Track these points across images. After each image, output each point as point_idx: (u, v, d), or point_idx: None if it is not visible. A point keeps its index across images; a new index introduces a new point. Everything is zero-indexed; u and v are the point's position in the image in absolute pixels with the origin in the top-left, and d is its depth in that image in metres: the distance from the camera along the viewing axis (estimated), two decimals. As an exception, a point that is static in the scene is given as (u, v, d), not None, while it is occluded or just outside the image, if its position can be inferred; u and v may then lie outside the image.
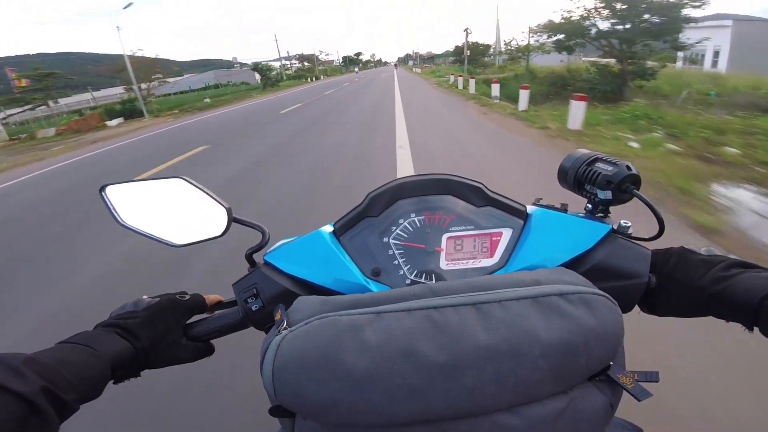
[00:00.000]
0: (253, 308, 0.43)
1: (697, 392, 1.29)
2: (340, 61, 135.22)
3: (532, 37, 17.16)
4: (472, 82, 13.22)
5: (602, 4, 11.97)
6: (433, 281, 0.42)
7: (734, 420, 1.19)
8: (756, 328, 0.33)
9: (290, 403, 0.29)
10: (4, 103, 23.44)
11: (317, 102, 14.72)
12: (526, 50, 23.40)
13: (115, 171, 6.38)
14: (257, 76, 47.34)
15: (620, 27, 11.88)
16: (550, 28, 14.21)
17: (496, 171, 4.02)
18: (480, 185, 0.46)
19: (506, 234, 0.44)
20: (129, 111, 19.68)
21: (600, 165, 0.44)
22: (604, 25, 12.43)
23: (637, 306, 0.42)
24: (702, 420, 1.20)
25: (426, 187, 0.46)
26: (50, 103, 23.84)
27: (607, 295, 0.31)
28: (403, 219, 0.45)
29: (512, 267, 0.41)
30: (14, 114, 23.61)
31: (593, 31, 12.83)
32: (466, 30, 32.46)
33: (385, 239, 0.44)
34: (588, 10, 12.63)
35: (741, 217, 2.59)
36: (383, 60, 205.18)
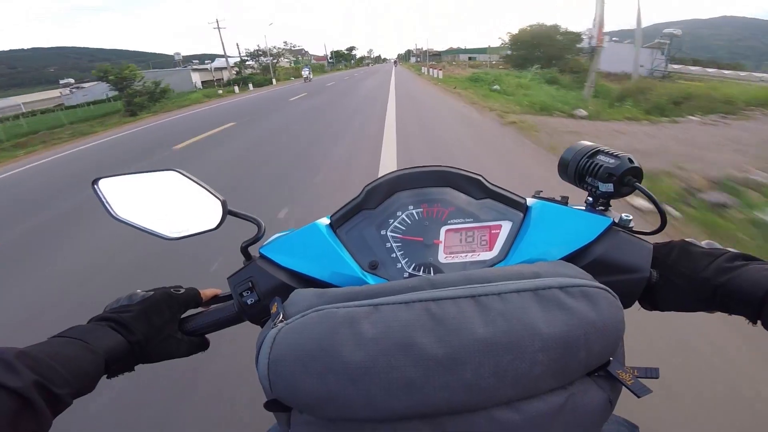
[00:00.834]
0: (249, 302, 0.43)
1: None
2: (329, 57, 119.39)
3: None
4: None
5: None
6: (432, 275, 0.41)
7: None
8: (759, 322, 0.33)
9: (286, 397, 0.29)
10: None
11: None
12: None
13: None
14: (196, 79, 37.61)
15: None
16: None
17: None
18: (479, 177, 0.46)
19: (506, 227, 0.43)
20: None
21: (601, 157, 0.43)
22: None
23: (637, 303, 0.42)
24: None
25: (424, 179, 0.46)
26: None
27: (608, 289, 0.31)
28: (401, 211, 0.44)
29: (512, 260, 0.41)
30: None
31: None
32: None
33: (383, 232, 0.44)
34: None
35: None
36: (382, 57, 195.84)
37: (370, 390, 0.27)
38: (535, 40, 25.07)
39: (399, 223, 0.44)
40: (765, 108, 7.03)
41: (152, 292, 0.44)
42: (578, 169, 0.45)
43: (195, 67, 47.59)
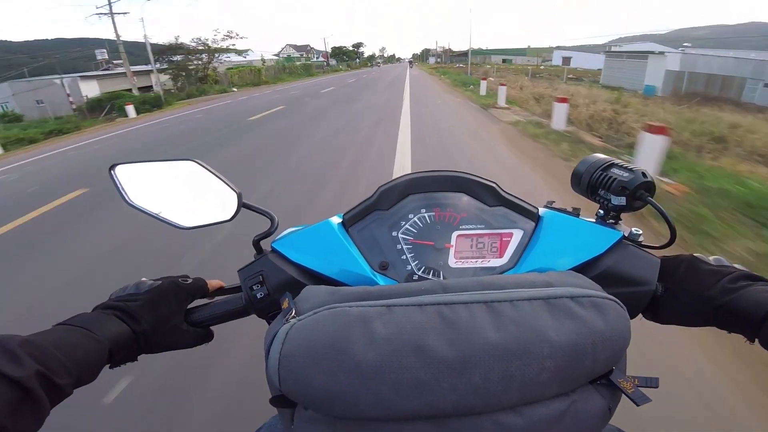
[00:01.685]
0: (258, 296, 0.44)
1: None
2: (329, 53, 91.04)
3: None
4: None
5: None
6: (443, 278, 0.42)
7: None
8: (757, 340, 0.34)
9: (294, 393, 0.29)
10: None
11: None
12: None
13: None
14: (88, 91, 21.69)
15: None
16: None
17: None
18: (494, 185, 0.46)
19: (517, 235, 0.44)
20: None
21: (615, 170, 0.44)
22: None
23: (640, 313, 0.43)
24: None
25: (438, 184, 0.47)
26: None
27: (617, 300, 0.31)
28: (413, 214, 0.45)
29: (522, 268, 0.42)
30: None
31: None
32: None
33: (394, 233, 0.44)
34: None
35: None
36: (396, 56, 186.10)
37: (380, 389, 0.27)
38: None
39: (411, 225, 0.45)
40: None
41: (160, 281, 0.45)
42: (591, 181, 0.46)
43: (88, 74, 26.69)
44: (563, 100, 6.25)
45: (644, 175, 0.42)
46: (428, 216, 0.45)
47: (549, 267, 0.41)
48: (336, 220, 0.47)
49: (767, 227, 2.47)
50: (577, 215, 0.46)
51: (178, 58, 27.86)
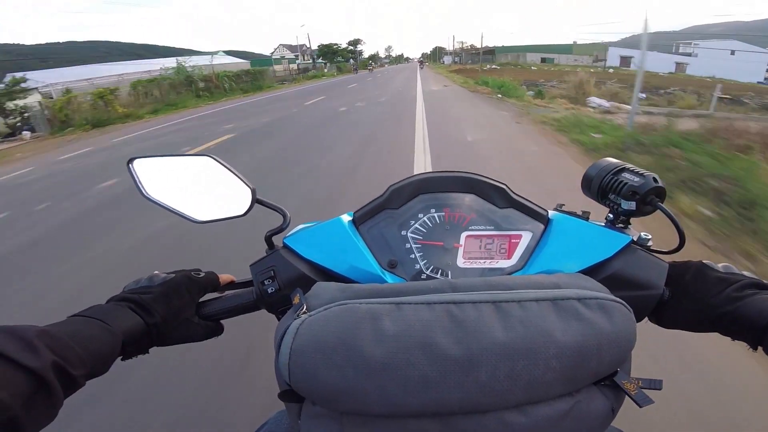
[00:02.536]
0: (269, 290, 0.45)
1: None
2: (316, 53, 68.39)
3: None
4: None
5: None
6: (451, 278, 0.43)
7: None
8: (760, 348, 0.35)
9: (303, 388, 0.30)
10: None
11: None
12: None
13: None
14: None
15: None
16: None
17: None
18: (504, 186, 0.47)
19: (526, 237, 0.45)
20: None
21: (626, 175, 0.45)
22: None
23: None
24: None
25: (449, 184, 0.48)
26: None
27: (624, 302, 0.32)
28: (423, 213, 0.46)
29: (530, 270, 0.43)
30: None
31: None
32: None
33: (404, 232, 0.46)
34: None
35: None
36: (405, 56, 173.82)
37: (387, 385, 0.28)
38: None
39: (420, 225, 0.46)
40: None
41: (173, 275, 0.46)
42: (602, 185, 0.46)
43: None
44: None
45: (655, 180, 0.43)
46: (438, 216, 0.46)
47: (557, 269, 0.41)
48: (347, 217, 0.48)
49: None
50: (587, 219, 0.46)
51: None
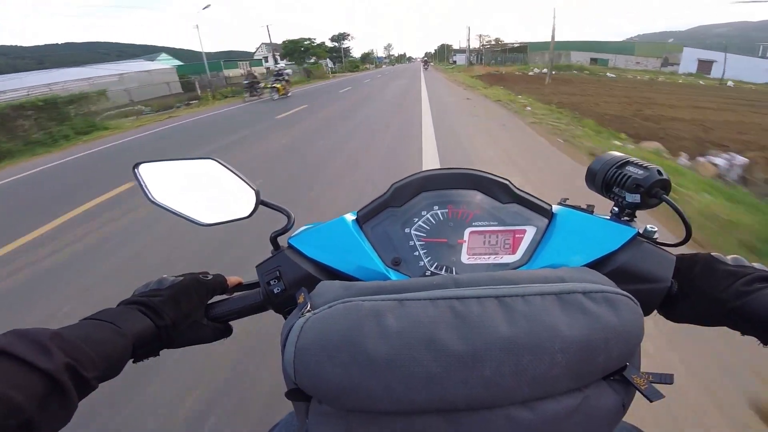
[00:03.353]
0: (276, 291, 0.46)
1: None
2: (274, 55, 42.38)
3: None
4: None
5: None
6: (455, 274, 0.43)
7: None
8: None
9: (309, 386, 0.30)
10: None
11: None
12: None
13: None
14: None
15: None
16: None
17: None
18: (507, 182, 0.48)
19: (530, 232, 0.45)
20: None
21: (630, 168, 0.45)
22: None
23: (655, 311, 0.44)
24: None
25: (451, 181, 0.48)
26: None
27: (630, 296, 0.32)
28: (426, 211, 0.47)
29: (535, 265, 0.43)
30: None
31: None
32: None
33: (407, 230, 0.46)
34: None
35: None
36: (407, 55, 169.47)
37: (392, 382, 0.28)
38: None
39: (424, 222, 0.46)
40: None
41: (181, 278, 0.47)
42: (606, 178, 0.47)
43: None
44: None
45: (659, 173, 0.43)
46: (441, 213, 0.46)
47: (562, 263, 0.42)
48: (350, 217, 0.49)
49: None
50: (591, 212, 0.47)
51: None
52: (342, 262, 0.45)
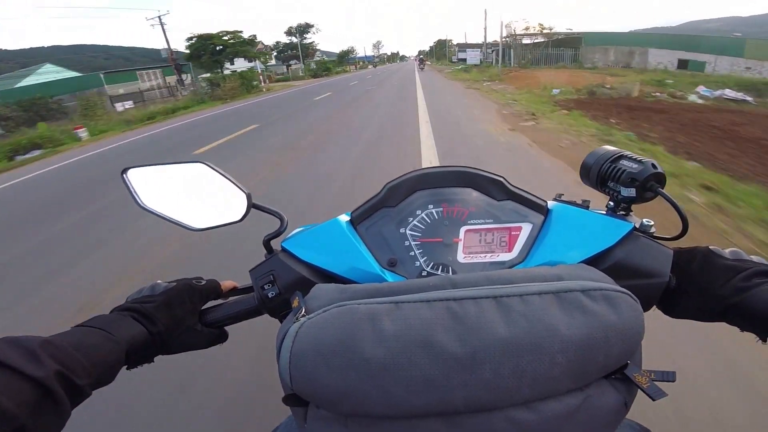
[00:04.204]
0: (270, 295, 0.46)
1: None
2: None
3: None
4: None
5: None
6: (452, 274, 0.43)
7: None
8: None
9: (305, 391, 0.30)
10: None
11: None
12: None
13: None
14: None
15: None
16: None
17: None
18: (501, 179, 0.48)
19: (526, 229, 0.45)
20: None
21: (624, 162, 0.45)
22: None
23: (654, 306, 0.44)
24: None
25: (445, 179, 0.48)
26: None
27: (629, 292, 0.32)
28: (420, 210, 0.47)
29: (531, 262, 0.43)
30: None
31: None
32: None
33: (402, 230, 0.46)
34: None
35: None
36: (400, 54, 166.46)
37: (390, 386, 0.28)
38: None
39: (419, 221, 0.46)
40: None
41: (174, 283, 0.47)
42: (600, 173, 0.47)
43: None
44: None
45: (654, 166, 0.43)
46: (436, 212, 0.46)
47: (559, 260, 0.42)
48: (344, 218, 0.48)
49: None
50: (587, 208, 0.47)
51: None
52: (337, 265, 0.44)
